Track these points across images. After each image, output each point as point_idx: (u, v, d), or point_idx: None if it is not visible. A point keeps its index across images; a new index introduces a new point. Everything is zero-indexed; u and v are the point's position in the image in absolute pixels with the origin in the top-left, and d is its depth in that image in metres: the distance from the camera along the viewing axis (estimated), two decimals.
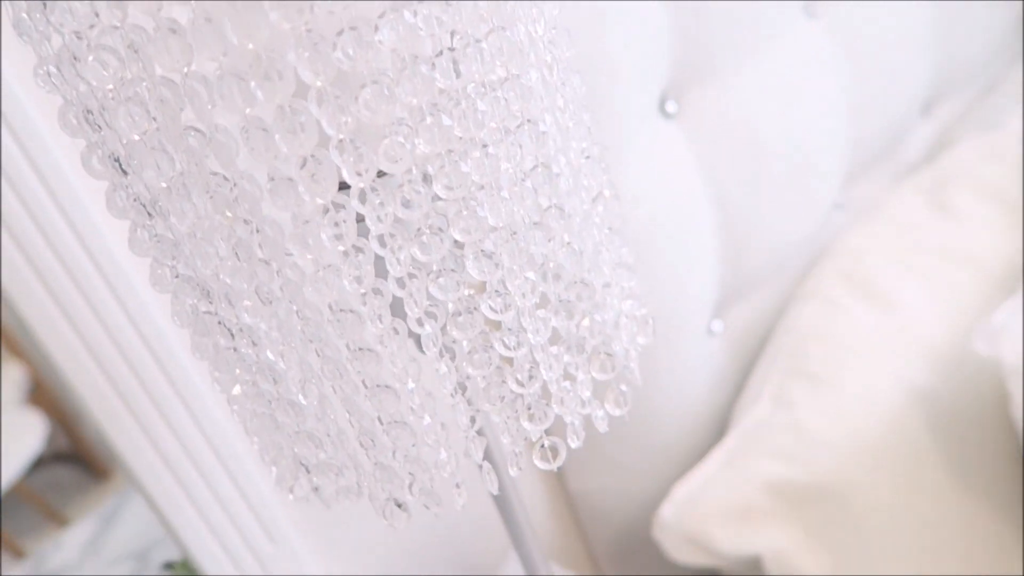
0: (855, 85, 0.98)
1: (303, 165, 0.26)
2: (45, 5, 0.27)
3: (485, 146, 0.28)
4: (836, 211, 1.02)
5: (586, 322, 0.33)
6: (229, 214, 0.27)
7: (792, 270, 0.95)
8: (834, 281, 0.83)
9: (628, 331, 0.36)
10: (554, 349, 0.32)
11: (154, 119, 0.27)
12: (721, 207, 0.83)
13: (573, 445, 0.33)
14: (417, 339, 0.30)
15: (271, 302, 0.29)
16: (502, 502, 0.48)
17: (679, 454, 0.83)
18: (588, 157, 0.34)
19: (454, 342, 0.31)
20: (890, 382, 0.72)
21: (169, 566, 0.70)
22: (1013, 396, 0.59)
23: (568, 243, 0.32)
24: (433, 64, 0.26)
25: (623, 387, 0.35)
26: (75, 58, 0.27)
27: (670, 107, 0.77)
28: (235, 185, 0.27)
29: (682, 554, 0.69)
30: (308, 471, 0.34)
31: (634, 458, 0.83)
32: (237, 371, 0.32)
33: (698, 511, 0.68)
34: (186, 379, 0.57)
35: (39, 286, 0.51)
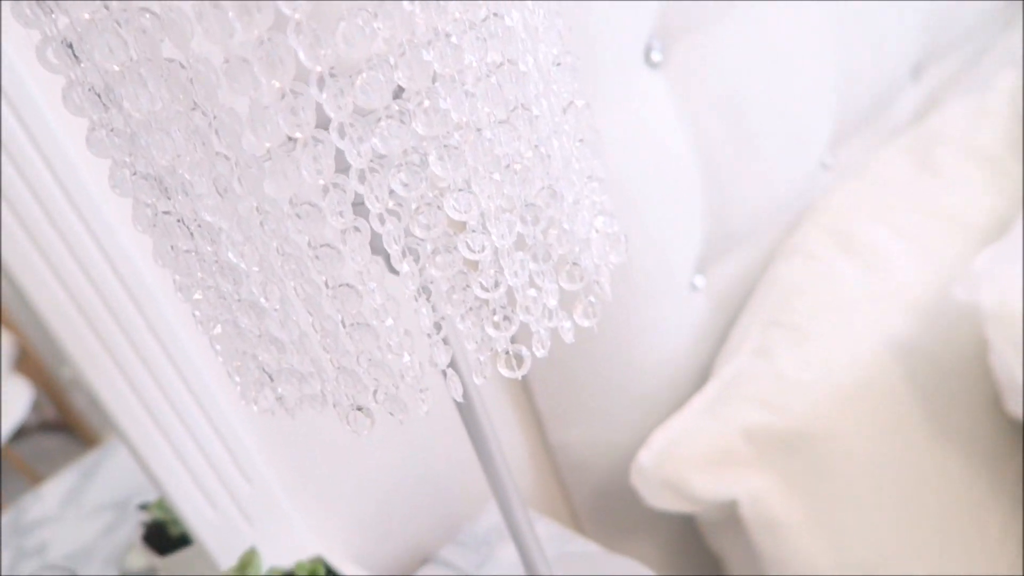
0: (845, 46, 0.97)
1: (259, 45, 0.25)
2: None
3: (448, 35, 0.27)
4: (822, 171, 1.01)
5: (553, 230, 0.33)
6: (183, 96, 0.26)
7: (776, 228, 0.94)
8: (818, 237, 0.83)
9: (599, 247, 0.36)
10: (520, 255, 0.32)
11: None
12: (705, 161, 0.82)
13: (539, 354, 0.33)
14: (379, 239, 0.30)
15: (228, 193, 0.28)
16: (478, 441, 0.47)
17: (659, 406, 0.83)
18: (559, 64, 0.33)
19: (418, 243, 0.30)
20: (871, 333, 0.72)
21: (144, 507, 0.70)
22: (991, 342, 0.59)
23: (536, 146, 0.31)
24: None
25: (591, 299, 0.35)
26: None
27: (655, 56, 0.77)
28: (190, 69, 0.27)
29: (659, 500, 0.69)
30: (271, 379, 0.33)
31: (614, 410, 0.83)
32: (199, 275, 0.32)
33: (676, 457, 0.68)
34: (165, 322, 0.56)
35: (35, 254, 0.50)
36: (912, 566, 0.66)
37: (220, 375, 0.61)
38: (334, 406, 0.33)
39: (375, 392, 0.32)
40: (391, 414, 0.32)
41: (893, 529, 0.66)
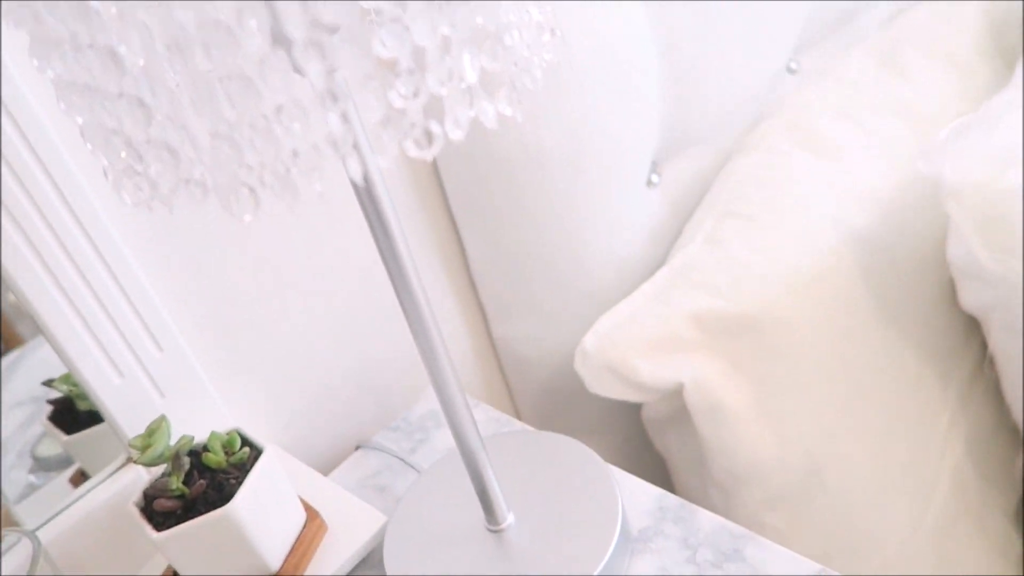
0: None
1: None
2: None
3: None
4: (788, 74, 0.98)
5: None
6: None
7: (737, 127, 0.91)
8: (778, 132, 0.80)
9: (532, 35, 0.32)
10: (432, 13, 0.27)
11: None
12: (668, 55, 0.78)
13: (453, 136, 0.29)
14: None
15: None
16: (419, 335, 0.44)
17: (609, 303, 0.80)
18: None
19: None
20: (827, 223, 0.69)
21: (48, 383, 0.65)
22: (952, 218, 0.56)
23: None
24: None
25: (520, 83, 0.30)
26: None
27: None
28: None
29: (602, 386, 0.66)
30: (141, 158, 0.29)
31: (562, 305, 0.79)
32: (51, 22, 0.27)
33: (622, 341, 0.65)
34: (64, 167, 0.51)
35: None
36: (858, 455, 0.64)
37: (127, 228, 0.56)
38: (214, 190, 0.28)
39: (260, 171, 0.27)
40: (279, 198, 0.28)
41: (840, 418, 0.64)
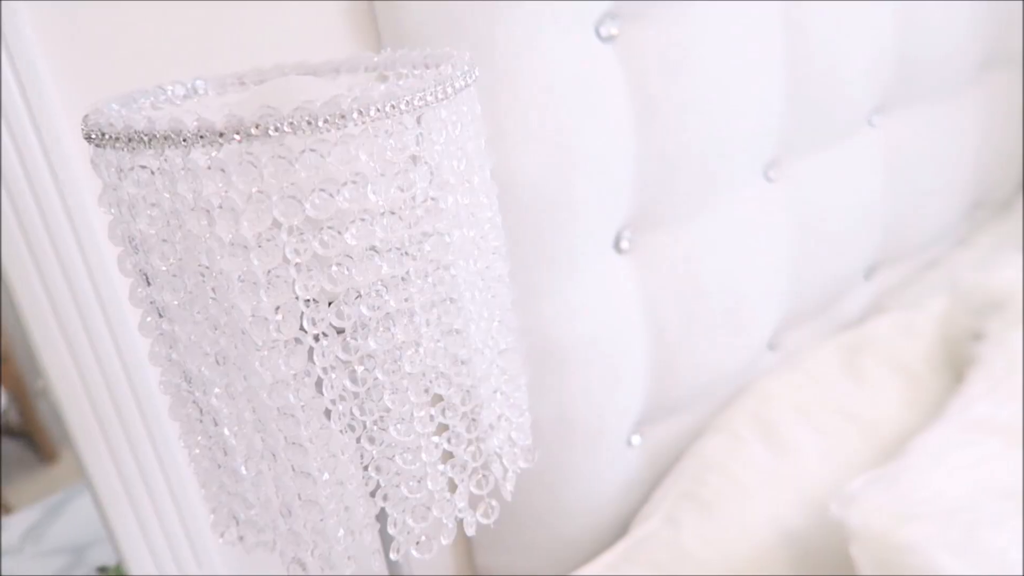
0: (802, 246, 1.09)
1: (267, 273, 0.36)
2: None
3: (405, 280, 0.38)
4: (769, 351, 1.12)
5: (472, 448, 0.43)
6: (216, 328, 0.37)
7: (717, 399, 1.05)
8: (744, 419, 0.94)
9: (510, 456, 0.46)
10: (442, 467, 0.42)
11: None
12: (657, 337, 0.93)
13: (444, 543, 0.43)
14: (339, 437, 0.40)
15: (234, 398, 0.39)
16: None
17: (583, 547, 0.92)
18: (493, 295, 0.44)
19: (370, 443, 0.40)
20: (767, 520, 0.82)
21: (103, 569, 0.78)
22: (855, 560, 0.68)
23: (465, 360, 0.41)
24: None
25: (493, 502, 0.45)
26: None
27: (624, 244, 0.89)
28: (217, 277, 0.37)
29: None
30: (238, 523, 0.43)
31: (541, 545, 0.91)
32: (199, 438, 0.42)
33: None
34: (151, 398, 0.65)
35: (34, 273, 0.58)
36: None
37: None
38: (280, 554, 0.43)
39: (312, 551, 0.42)
40: (322, 569, 0.42)
41: None
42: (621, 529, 0.96)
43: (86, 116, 0.39)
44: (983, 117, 1.39)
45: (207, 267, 0.37)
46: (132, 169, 0.36)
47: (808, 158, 1.08)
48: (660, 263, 0.92)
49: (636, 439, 0.96)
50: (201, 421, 0.42)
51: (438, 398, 0.41)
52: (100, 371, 0.63)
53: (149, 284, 0.39)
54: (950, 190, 1.34)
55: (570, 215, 0.80)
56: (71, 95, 0.56)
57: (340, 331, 0.38)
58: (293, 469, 0.40)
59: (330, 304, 0.38)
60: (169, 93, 0.47)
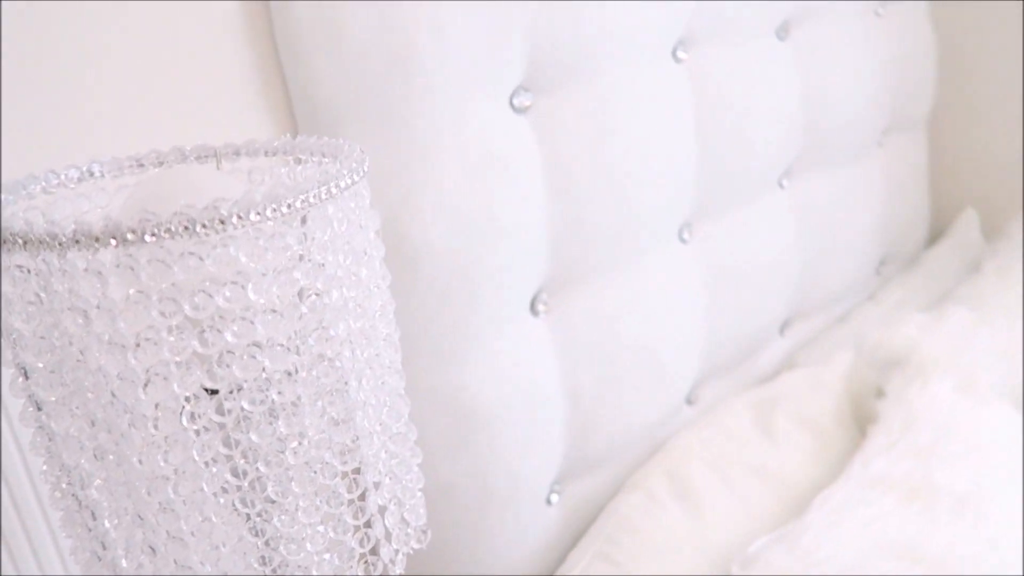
0: (717, 303, 1.13)
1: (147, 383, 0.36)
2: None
3: (289, 374, 0.39)
4: (687, 406, 1.15)
5: (359, 534, 0.43)
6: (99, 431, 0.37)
7: (635, 454, 1.07)
8: (658, 477, 0.96)
9: (402, 538, 0.47)
10: (327, 555, 0.42)
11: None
12: (574, 396, 0.95)
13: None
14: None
15: (113, 492, 0.39)
16: None
17: None
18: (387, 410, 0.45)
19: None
20: None
21: None
22: None
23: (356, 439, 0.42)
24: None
25: None
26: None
27: (540, 307, 0.91)
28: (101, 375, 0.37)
29: None
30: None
31: None
32: (78, 530, 0.41)
33: None
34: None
35: None
36: None
37: None
38: None
39: None
40: None
41: None
42: None
43: None
44: (888, 177, 1.47)
45: (85, 363, 0.37)
46: (8, 268, 0.36)
47: (721, 219, 1.13)
48: (577, 324, 0.95)
49: (555, 497, 0.97)
50: (79, 512, 0.41)
51: (324, 487, 0.42)
52: None
53: (27, 378, 0.39)
54: (858, 247, 1.41)
55: (484, 281, 0.82)
56: None
57: (222, 425, 0.39)
58: (175, 563, 0.40)
59: (211, 394, 0.39)
60: (62, 177, 0.47)
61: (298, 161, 0.50)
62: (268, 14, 0.71)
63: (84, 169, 0.48)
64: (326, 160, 0.48)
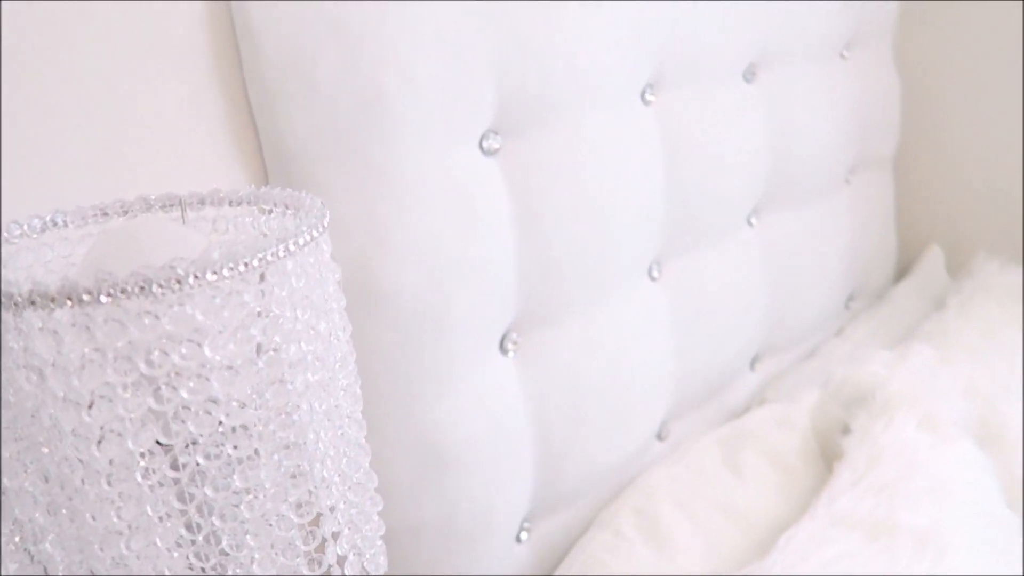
0: (687, 339, 1.15)
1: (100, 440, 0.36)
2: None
3: (246, 428, 0.39)
4: (657, 441, 1.16)
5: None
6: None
7: (606, 490, 1.07)
8: (627, 515, 0.96)
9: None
10: None
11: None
12: (544, 434, 0.96)
13: None
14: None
15: (66, 547, 0.39)
16: None
17: None
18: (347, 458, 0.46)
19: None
20: None
21: None
22: None
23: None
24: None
25: None
26: None
27: (509, 346, 0.91)
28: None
29: None
30: None
31: None
32: None
33: None
34: None
35: None
36: None
37: None
38: None
39: None
40: None
41: None
42: None
43: None
44: (855, 214, 1.50)
45: (39, 419, 0.37)
46: None
47: (690, 257, 1.15)
48: (546, 362, 0.95)
49: (524, 535, 0.97)
50: (32, 567, 0.41)
51: (281, 539, 0.42)
52: None
53: None
54: (827, 283, 1.43)
55: (453, 321, 0.82)
56: None
57: (176, 480, 0.39)
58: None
59: (166, 450, 0.39)
60: (25, 228, 0.47)
61: (263, 212, 0.51)
62: (238, 57, 0.72)
63: (48, 219, 0.49)
64: (289, 212, 0.49)
